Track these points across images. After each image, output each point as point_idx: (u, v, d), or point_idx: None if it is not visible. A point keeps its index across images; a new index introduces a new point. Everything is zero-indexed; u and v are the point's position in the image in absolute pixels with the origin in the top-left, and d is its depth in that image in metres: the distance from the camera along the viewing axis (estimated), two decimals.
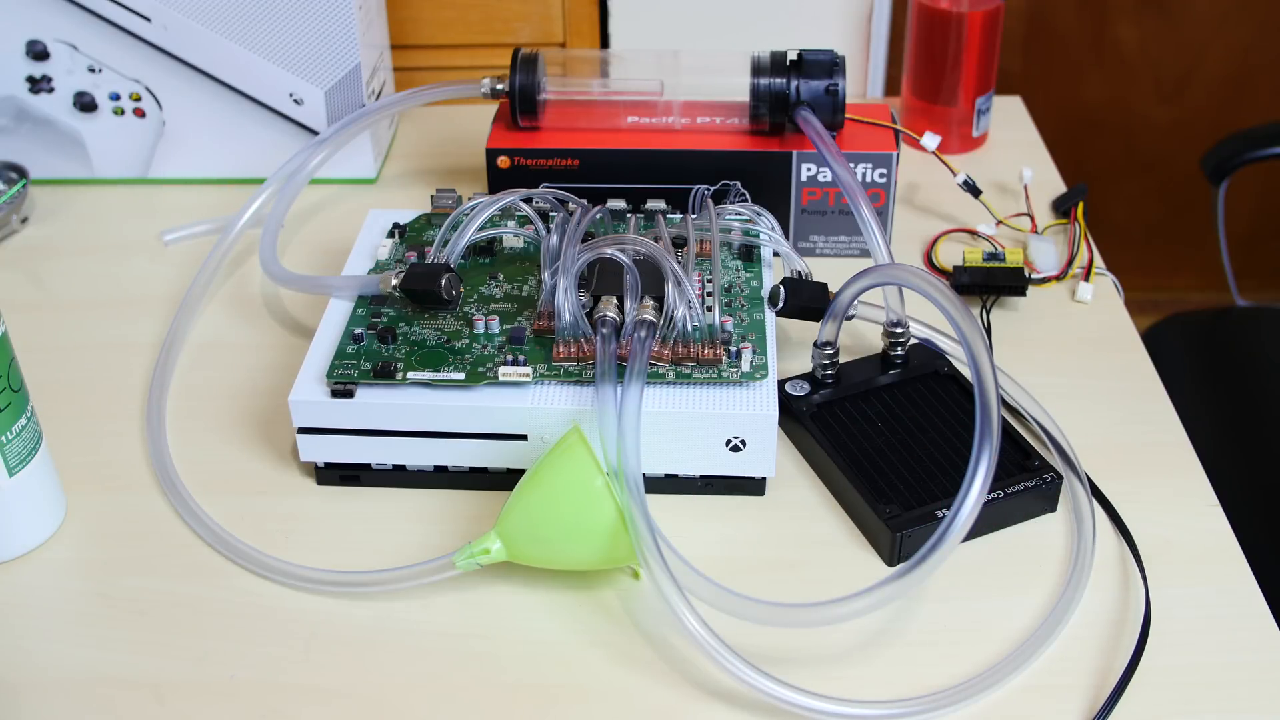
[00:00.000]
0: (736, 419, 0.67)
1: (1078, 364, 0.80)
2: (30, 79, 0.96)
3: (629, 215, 0.81)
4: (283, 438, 0.75)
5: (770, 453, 0.68)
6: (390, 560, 0.67)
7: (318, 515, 0.70)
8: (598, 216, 0.77)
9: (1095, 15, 1.81)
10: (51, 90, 0.97)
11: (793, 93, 0.85)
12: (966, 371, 0.75)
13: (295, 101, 0.96)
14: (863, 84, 1.18)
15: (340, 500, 0.71)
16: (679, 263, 0.70)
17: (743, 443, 0.67)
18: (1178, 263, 1.98)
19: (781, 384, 0.74)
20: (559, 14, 1.14)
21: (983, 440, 0.58)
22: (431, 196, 0.84)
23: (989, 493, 0.58)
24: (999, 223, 0.92)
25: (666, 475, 0.70)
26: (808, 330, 0.75)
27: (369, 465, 0.71)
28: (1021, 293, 0.83)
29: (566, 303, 0.68)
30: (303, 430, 0.69)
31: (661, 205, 0.83)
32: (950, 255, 0.90)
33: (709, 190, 0.85)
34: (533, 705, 0.59)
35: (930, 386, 0.75)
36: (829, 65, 0.85)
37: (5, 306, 0.88)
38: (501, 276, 0.76)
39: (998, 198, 0.97)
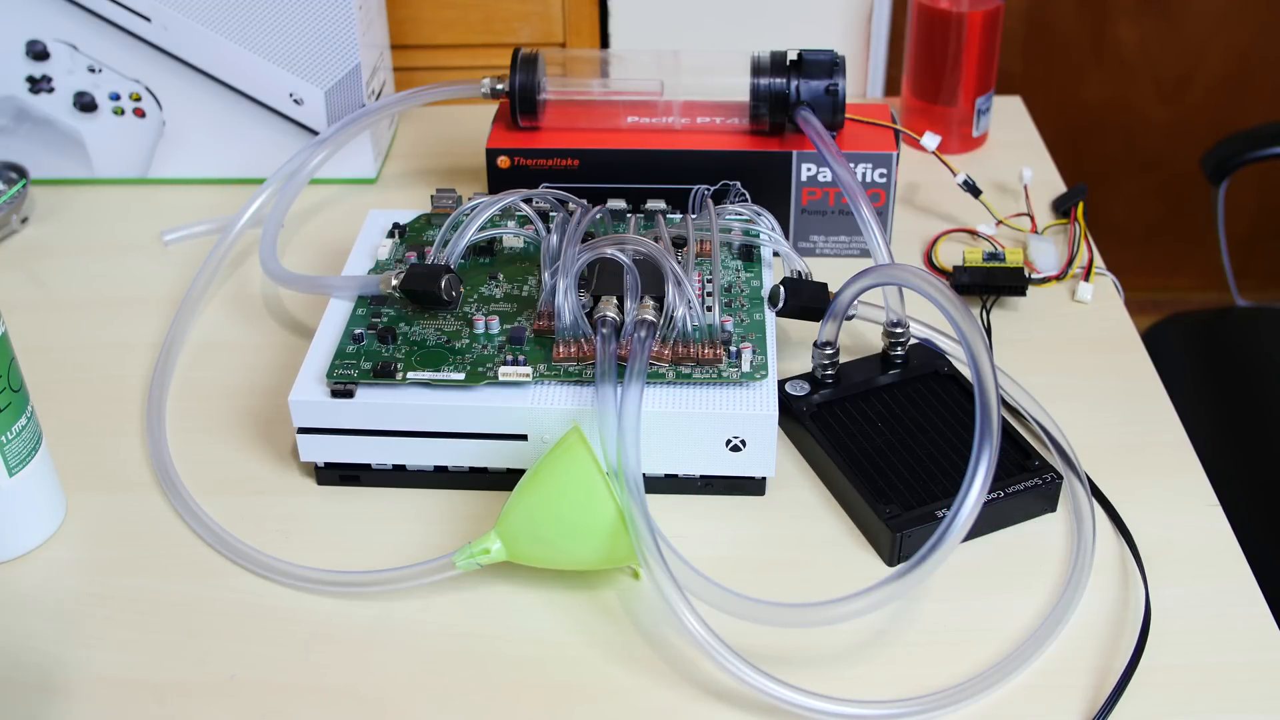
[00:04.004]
0: (736, 419, 0.67)
1: (1078, 364, 0.80)
2: (30, 79, 0.96)
3: (629, 215, 0.81)
4: (283, 438, 0.75)
5: (770, 453, 0.68)
6: (390, 560, 0.67)
7: (318, 515, 0.70)
8: (598, 216, 0.77)
9: (1095, 15, 1.81)
10: (51, 90, 0.97)
11: (793, 93, 0.85)
12: (966, 371, 0.75)
13: (295, 101, 0.96)
14: (863, 84, 1.18)
15: (340, 500, 0.71)
16: (679, 263, 0.70)
17: (743, 443, 0.67)
18: (1178, 263, 1.98)
19: (781, 384, 0.74)
20: (559, 14, 1.14)
21: (983, 440, 0.58)
22: (431, 196, 0.84)
23: (989, 493, 0.58)
24: (999, 223, 0.92)
25: (666, 475, 0.70)
26: (808, 330, 0.75)
27: (369, 465, 0.71)
28: (1021, 293, 0.83)
29: (566, 303, 0.68)
30: (303, 430, 0.69)
31: (661, 205, 0.83)
32: (950, 255, 0.90)
33: (709, 190, 0.85)
34: (533, 705, 0.59)
35: (930, 386, 0.75)
36: (829, 65, 0.85)
37: (5, 306, 0.88)
38: (501, 276, 0.76)
39: (998, 198, 0.97)
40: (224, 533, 0.68)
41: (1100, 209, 1.93)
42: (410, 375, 0.68)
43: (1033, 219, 0.91)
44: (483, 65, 1.12)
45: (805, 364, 0.76)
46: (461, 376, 0.68)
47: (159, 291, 0.88)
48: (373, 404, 0.68)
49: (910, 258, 0.90)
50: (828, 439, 0.71)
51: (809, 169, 0.87)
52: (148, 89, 0.97)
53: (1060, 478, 0.68)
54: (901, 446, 0.70)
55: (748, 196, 0.87)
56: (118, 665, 0.62)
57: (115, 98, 0.97)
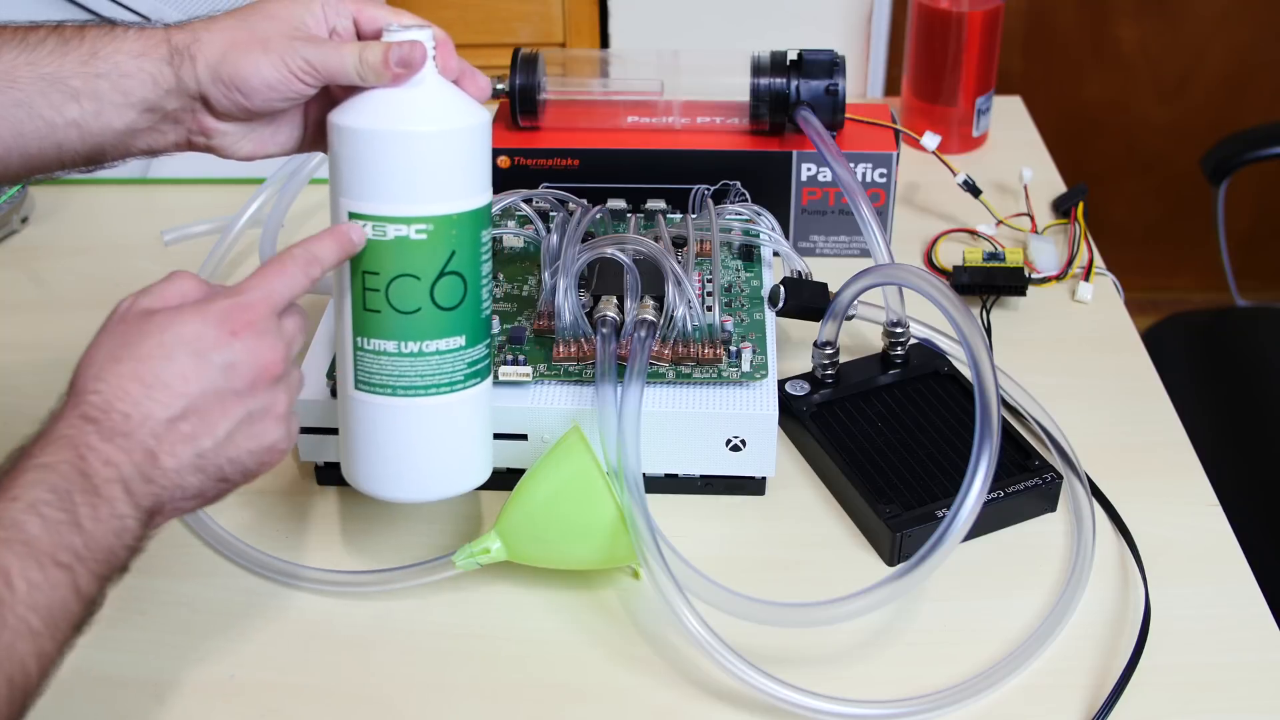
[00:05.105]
0: (736, 419, 0.67)
1: (1078, 364, 0.80)
2: None
3: (629, 215, 0.81)
4: None
5: (770, 453, 0.68)
6: (390, 560, 0.67)
7: (318, 515, 0.70)
8: (598, 216, 0.77)
9: (1095, 15, 1.81)
10: None
11: (793, 93, 0.85)
12: (966, 371, 0.75)
13: None
14: (863, 84, 1.18)
15: (340, 500, 0.71)
16: (679, 262, 0.70)
17: (743, 443, 0.67)
18: (1178, 263, 1.98)
19: (781, 384, 0.74)
20: (559, 14, 1.14)
21: (983, 440, 0.58)
22: None
23: (989, 493, 0.58)
24: (999, 223, 0.92)
25: (666, 475, 0.70)
26: (808, 330, 0.75)
27: None
28: (1021, 293, 0.83)
29: (566, 302, 0.68)
30: (303, 430, 0.69)
31: (661, 205, 0.83)
32: (950, 255, 0.90)
33: (709, 190, 0.85)
34: (532, 705, 0.59)
35: (930, 386, 0.75)
36: (829, 65, 0.85)
37: (5, 306, 0.88)
38: (501, 276, 0.76)
39: (998, 198, 0.97)
40: (224, 532, 0.68)
41: (1100, 209, 1.92)
42: None
43: (1033, 219, 0.91)
44: (483, 65, 1.12)
45: (805, 364, 0.76)
46: None
47: None
48: None
49: (910, 258, 0.90)
50: (828, 439, 0.71)
51: (809, 169, 0.87)
52: None
53: (1060, 478, 0.68)
54: (901, 446, 0.70)
55: (748, 196, 0.87)
56: (118, 665, 0.62)
57: None
